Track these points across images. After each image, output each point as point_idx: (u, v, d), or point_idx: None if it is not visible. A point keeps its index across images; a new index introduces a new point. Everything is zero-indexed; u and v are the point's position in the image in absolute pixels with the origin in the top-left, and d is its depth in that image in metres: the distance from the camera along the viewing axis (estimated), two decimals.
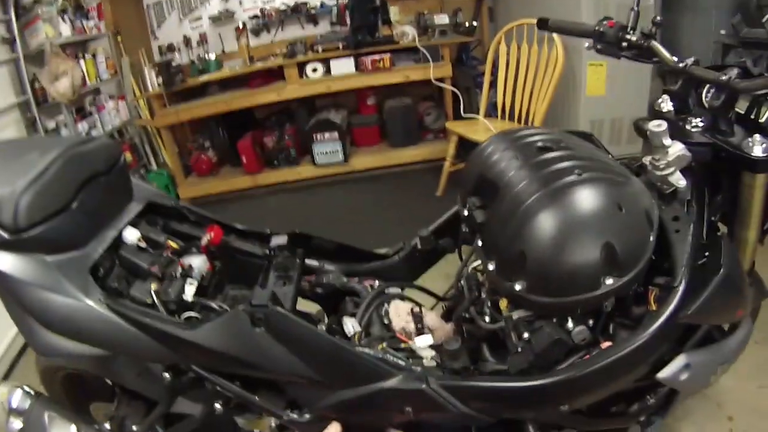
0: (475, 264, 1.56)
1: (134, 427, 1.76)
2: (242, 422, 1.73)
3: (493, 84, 4.29)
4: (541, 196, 1.26)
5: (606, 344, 1.34)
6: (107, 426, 1.76)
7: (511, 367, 1.36)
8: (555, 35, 3.63)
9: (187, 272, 1.59)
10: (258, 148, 5.31)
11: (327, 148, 5.11)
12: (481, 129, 4.13)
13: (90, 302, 1.40)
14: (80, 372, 1.80)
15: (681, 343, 1.47)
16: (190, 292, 1.56)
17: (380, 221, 4.29)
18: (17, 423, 1.71)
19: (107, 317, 1.40)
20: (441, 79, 4.82)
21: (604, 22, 1.62)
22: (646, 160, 1.44)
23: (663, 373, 1.43)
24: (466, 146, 4.19)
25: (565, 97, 4.07)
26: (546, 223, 1.24)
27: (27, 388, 1.77)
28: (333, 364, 1.41)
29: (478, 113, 4.37)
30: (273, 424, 1.68)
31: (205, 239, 1.68)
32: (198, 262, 1.64)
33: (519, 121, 4.09)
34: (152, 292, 1.52)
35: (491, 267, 1.35)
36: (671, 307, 1.31)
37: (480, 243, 1.43)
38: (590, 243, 1.22)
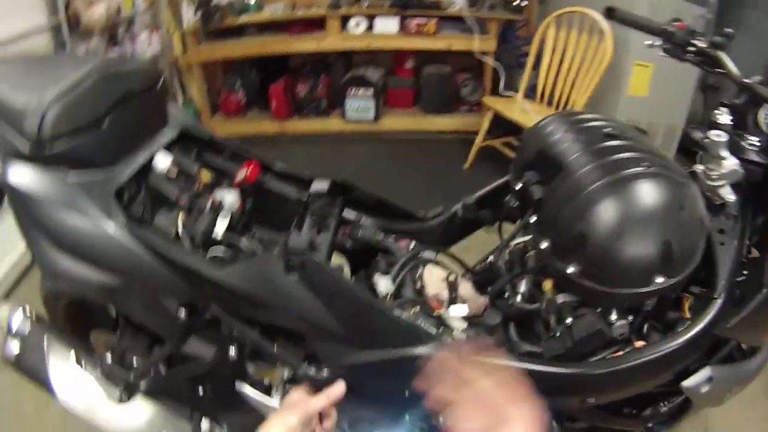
0: (520, 240, 1.53)
1: (135, 362, 1.73)
2: (253, 370, 1.68)
3: (535, 66, 4.22)
4: (608, 182, 1.22)
5: (640, 344, 1.33)
6: (108, 357, 1.74)
7: (546, 350, 1.34)
8: (606, 29, 3.57)
9: (217, 207, 1.55)
10: (289, 95, 5.25)
11: (359, 105, 5.07)
12: (518, 108, 4.08)
13: (111, 226, 1.35)
14: (85, 299, 1.76)
15: (706, 356, 1.48)
16: (221, 228, 1.51)
17: (404, 185, 4.24)
18: (15, 345, 1.69)
19: (128, 244, 1.35)
20: (484, 53, 4.75)
21: (675, 23, 1.58)
22: (699, 168, 1.42)
23: (688, 382, 1.44)
24: (500, 123, 4.18)
25: (605, 92, 4.00)
26: (611, 210, 1.21)
27: (28, 311, 1.74)
28: (364, 323, 1.38)
29: (516, 93, 4.32)
30: (285, 376, 1.63)
31: (241, 175, 1.62)
32: (230, 198, 1.58)
33: (557, 107, 4.02)
34: (179, 224, 1.48)
35: (544, 245, 1.32)
36: (709, 318, 1.32)
37: (534, 219, 1.40)
38: (651, 238, 1.20)
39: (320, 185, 1.66)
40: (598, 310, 1.33)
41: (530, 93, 4.31)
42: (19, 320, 1.71)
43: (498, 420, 0.82)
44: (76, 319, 1.86)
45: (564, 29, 3.93)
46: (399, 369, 1.37)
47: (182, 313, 1.47)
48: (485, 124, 4.30)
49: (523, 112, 4.01)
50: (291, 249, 1.32)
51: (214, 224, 1.51)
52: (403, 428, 1.64)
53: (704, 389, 1.45)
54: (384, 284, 1.51)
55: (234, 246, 1.53)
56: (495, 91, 4.72)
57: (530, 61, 4.23)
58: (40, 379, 1.70)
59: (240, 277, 1.36)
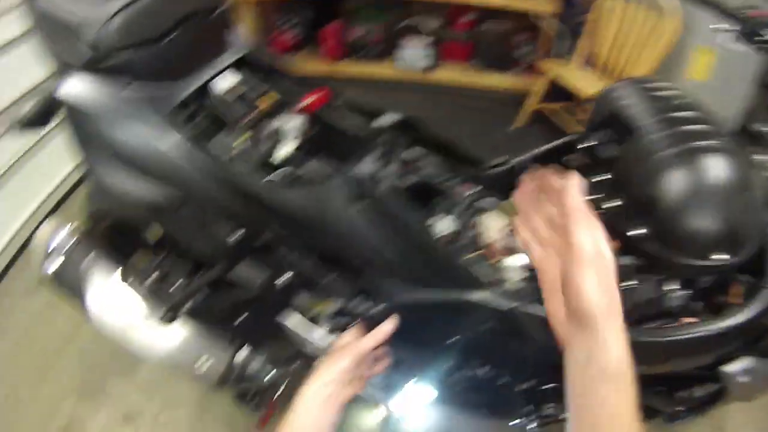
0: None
1: (177, 284, 1.74)
2: (302, 301, 1.68)
3: (594, 35, 4.14)
4: (685, 150, 1.22)
5: (688, 320, 1.32)
6: (152, 277, 1.75)
7: None
8: (673, 7, 3.46)
9: (278, 132, 1.54)
10: (342, 38, 5.19)
11: (413, 53, 4.99)
12: (573, 75, 4.02)
13: (168, 142, 1.34)
14: (129, 220, 1.76)
15: (746, 348, 1.47)
16: (282, 153, 1.50)
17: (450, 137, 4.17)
18: (56, 262, 1.70)
19: (185, 161, 1.35)
20: (543, 16, 4.65)
21: (751, 10, 1.57)
22: (759, 158, 1.43)
23: (729, 368, 1.44)
24: (554, 88, 4.15)
25: (664, 71, 3.90)
26: (685, 178, 1.20)
27: (72, 228, 1.74)
28: (423, 261, 1.36)
29: (573, 59, 4.24)
30: (333, 309, 1.63)
31: (306, 102, 1.60)
32: (293, 123, 1.57)
33: (612, 80, 3.92)
34: (238, 146, 1.48)
35: (615, 204, 1.31)
36: (759, 306, 1.31)
37: (606, 178, 1.39)
38: (719, 212, 1.20)
39: (388, 119, 1.62)
40: (656, 278, 1.32)
41: (587, 61, 4.24)
42: (62, 236, 1.73)
43: (567, 245, 0.78)
44: (118, 240, 1.87)
45: (631, 2, 3.82)
46: (450, 312, 1.37)
47: (235, 236, 1.46)
48: (540, 87, 4.26)
49: (579, 79, 3.95)
50: (357, 179, 1.31)
51: (275, 149, 1.50)
52: (436, 374, 1.65)
53: (742, 378, 1.45)
54: (443, 226, 1.50)
55: (295, 172, 1.52)
56: (551, 55, 4.64)
57: (590, 30, 4.14)
58: (78, 297, 1.71)
59: (302, 202, 1.35)
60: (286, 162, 1.51)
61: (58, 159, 3.52)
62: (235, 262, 1.55)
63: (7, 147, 3.17)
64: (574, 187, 0.80)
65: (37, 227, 1.84)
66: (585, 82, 3.88)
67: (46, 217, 3.48)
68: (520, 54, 5.04)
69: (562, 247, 0.81)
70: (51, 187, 3.56)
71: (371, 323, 1.30)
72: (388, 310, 1.39)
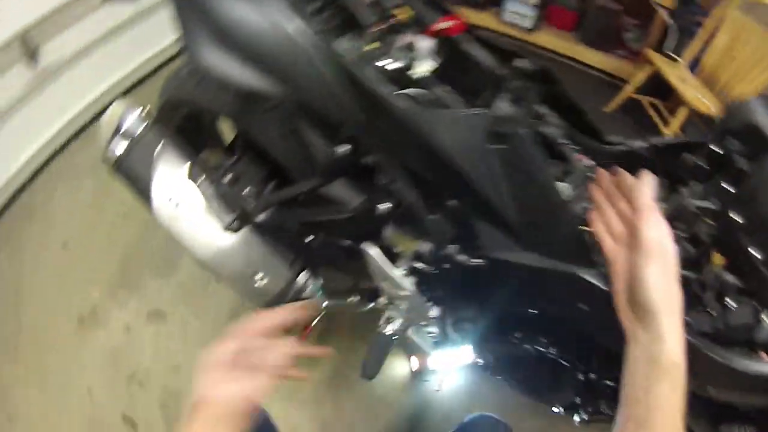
0: (698, 202, 1.44)
1: (248, 189, 1.66)
2: (390, 234, 1.59)
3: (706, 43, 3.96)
4: None
5: (765, 356, 1.25)
6: (225, 178, 1.67)
7: (694, 323, 1.26)
8: None
9: (410, 49, 1.46)
10: None
11: (519, 9, 4.85)
12: (677, 75, 3.85)
13: (295, 28, 1.23)
14: (202, 114, 1.69)
15: None
16: (422, 69, 1.42)
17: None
18: (121, 145, 1.64)
19: (311, 51, 1.23)
20: (660, 4, 4.48)
21: None
22: None
23: None
24: (654, 81, 4.03)
25: None
26: None
27: (145, 112, 1.67)
28: (546, 222, 1.28)
29: (680, 58, 4.08)
30: (420, 251, 1.54)
31: (441, 25, 1.51)
32: (425, 43, 1.48)
33: (717, 93, 3.74)
34: (367, 52, 1.40)
35: (736, 217, 1.24)
36: None
37: (731, 188, 1.32)
38: None
39: (526, 64, 1.53)
40: (754, 305, 1.25)
41: (692, 65, 4.09)
42: (134, 119, 1.66)
43: (635, 239, 0.87)
44: (190, 133, 1.80)
45: (750, 16, 3.62)
46: (550, 280, 1.31)
47: (341, 149, 1.37)
48: (641, 76, 4.11)
49: (682, 80, 3.79)
50: (500, 116, 1.22)
51: (409, 64, 1.43)
52: (498, 342, 1.60)
53: None
54: (562, 189, 1.43)
55: (430, 93, 1.43)
56: (658, 49, 4.49)
57: (704, 34, 3.96)
58: (141, 184, 1.64)
59: (435, 126, 1.24)
60: (418, 82, 1.43)
61: (144, 40, 3.48)
62: (330, 179, 1.47)
63: (102, 16, 3.12)
64: (645, 185, 0.89)
65: (108, 106, 1.76)
66: (685, 85, 3.74)
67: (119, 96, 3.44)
68: (626, 38, 4.88)
69: (631, 241, 0.88)
70: (128, 69, 3.51)
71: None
72: (485, 264, 1.33)
